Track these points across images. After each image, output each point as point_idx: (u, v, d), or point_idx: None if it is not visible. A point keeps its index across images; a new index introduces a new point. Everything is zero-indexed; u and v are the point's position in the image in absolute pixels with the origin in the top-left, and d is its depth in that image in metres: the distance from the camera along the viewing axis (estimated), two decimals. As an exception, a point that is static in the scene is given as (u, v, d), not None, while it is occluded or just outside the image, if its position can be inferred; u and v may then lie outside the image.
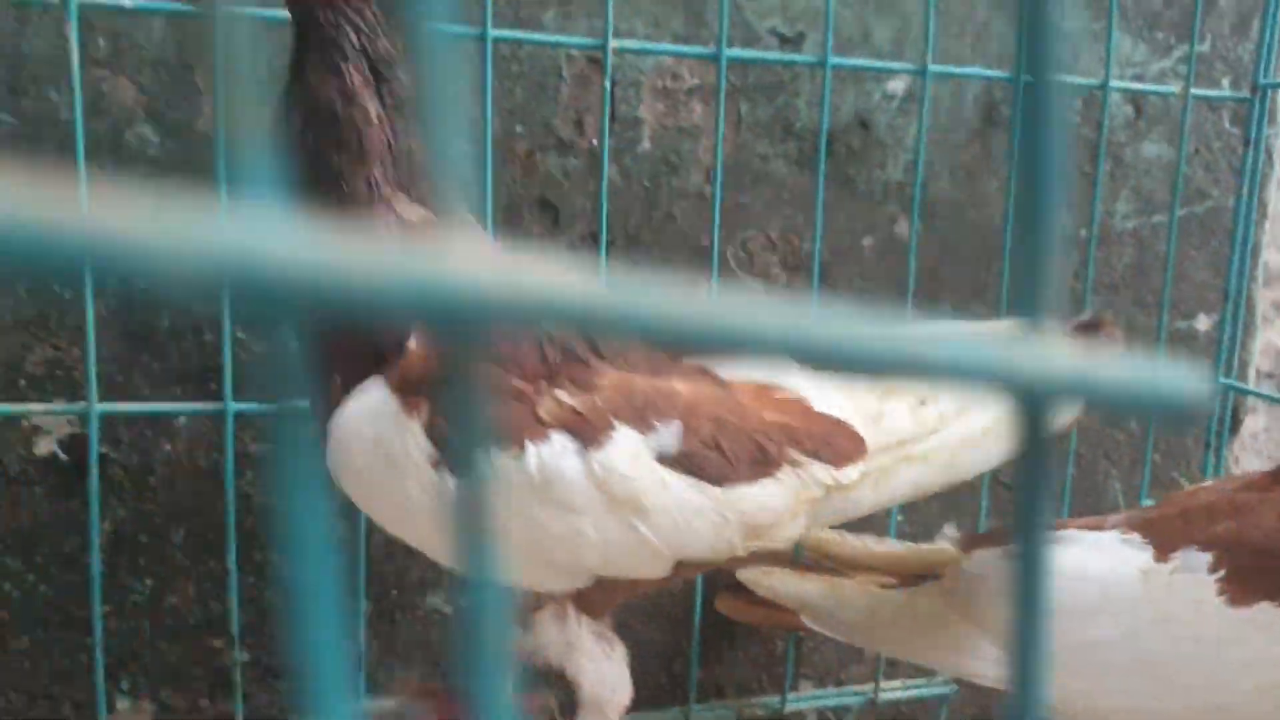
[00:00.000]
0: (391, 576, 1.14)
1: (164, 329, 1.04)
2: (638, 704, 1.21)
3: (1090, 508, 1.29)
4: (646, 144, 1.14)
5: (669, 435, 0.81)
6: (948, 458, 0.90)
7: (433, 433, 0.74)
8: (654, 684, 1.23)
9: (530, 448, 0.76)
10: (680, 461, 0.81)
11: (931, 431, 0.90)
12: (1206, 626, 0.85)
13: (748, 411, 0.85)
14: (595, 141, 1.13)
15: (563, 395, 0.78)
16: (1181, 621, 0.86)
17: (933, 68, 1.13)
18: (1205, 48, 1.30)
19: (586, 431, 0.77)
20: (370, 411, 0.74)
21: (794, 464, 0.84)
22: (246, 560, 1.05)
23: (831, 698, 1.28)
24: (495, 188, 1.09)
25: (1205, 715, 0.86)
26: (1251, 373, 1.37)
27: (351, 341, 0.76)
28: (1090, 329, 0.96)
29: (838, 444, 0.86)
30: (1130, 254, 1.32)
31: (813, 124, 1.19)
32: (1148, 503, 1.31)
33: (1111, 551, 0.92)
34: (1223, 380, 1.30)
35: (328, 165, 0.74)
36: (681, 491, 0.81)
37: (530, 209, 1.12)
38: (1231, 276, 1.29)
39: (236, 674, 1.07)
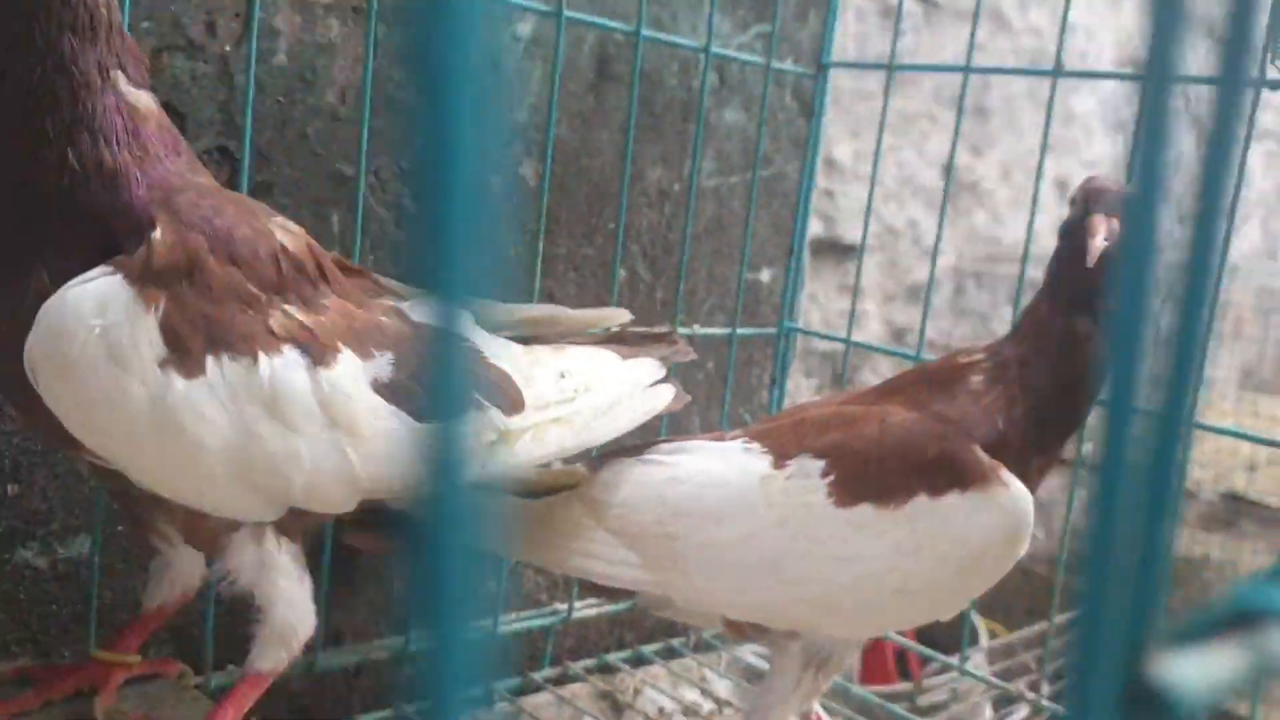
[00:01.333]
0: (-26, 527, 0.98)
1: None
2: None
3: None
4: (283, 57, 1.08)
5: (384, 364, 0.80)
6: (585, 423, 0.97)
7: (167, 330, 0.67)
8: (272, 631, 1.17)
9: (263, 358, 0.71)
10: (389, 391, 0.80)
11: (568, 400, 0.96)
12: (816, 526, 0.97)
13: None
14: (228, 47, 1.05)
15: (293, 310, 0.74)
16: (795, 522, 0.97)
17: (567, 12, 1.17)
18: (772, 29, 1.47)
19: (316, 349, 0.75)
20: (99, 299, 0.66)
21: (477, 406, 0.87)
22: None
23: (451, 631, 1.28)
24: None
25: (812, 605, 0.99)
26: (801, 318, 1.57)
27: (73, 226, 0.66)
28: (661, 339, 1.08)
29: (507, 395, 0.90)
30: (711, 210, 1.46)
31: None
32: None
33: (734, 459, 1.02)
34: (787, 324, 1.48)
35: (58, 49, 0.64)
36: (388, 420, 0.80)
37: (153, 115, 1.01)
38: (795, 235, 1.46)
39: None
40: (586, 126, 1.32)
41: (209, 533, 0.79)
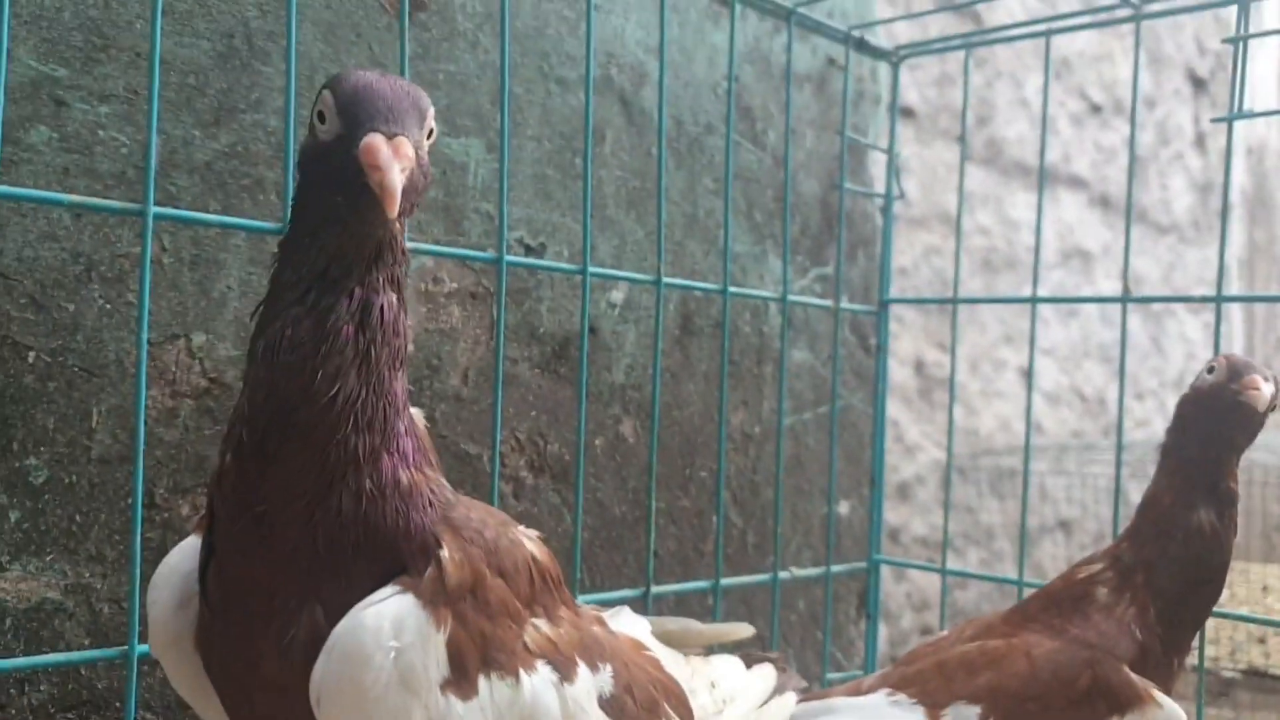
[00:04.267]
0: None
1: None
2: None
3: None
4: (411, 347, 1.10)
5: (606, 677, 0.78)
6: None
7: (452, 650, 0.66)
8: None
9: (524, 677, 0.69)
10: (609, 705, 0.77)
11: (718, 712, 0.95)
12: None
13: (638, 664, 0.85)
14: (362, 344, 1.07)
15: (541, 624, 0.73)
16: None
17: (665, 280, 1.21)
18: (829, 270, 1.53)
19: (562, 665, 0.73)
20: (395, 621, 0.64)
21: (667, 717, 0.84)
22: None
23: None
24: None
25: None
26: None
27: (360, 553, 0.66)
28: (767, 660, 1.06)
29: (685, 709, 0.88)
30: (788, 448, 1.49)
31: (554, 328, 1.22)
32: (831, 673, 1.44)
33: (887, 716, 1.01)
34: (876, 557, 1.48)
35: (382, 376, 0.66)
36: None
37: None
38: (875, 466, 1.49)
39: None
40: (675, 381, 1.35)
41: None
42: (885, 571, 1.52)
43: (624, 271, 1.24)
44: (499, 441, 1.08)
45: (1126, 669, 0.97)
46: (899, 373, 2.92)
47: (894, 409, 2.69)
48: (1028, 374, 3.21)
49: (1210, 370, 1.03)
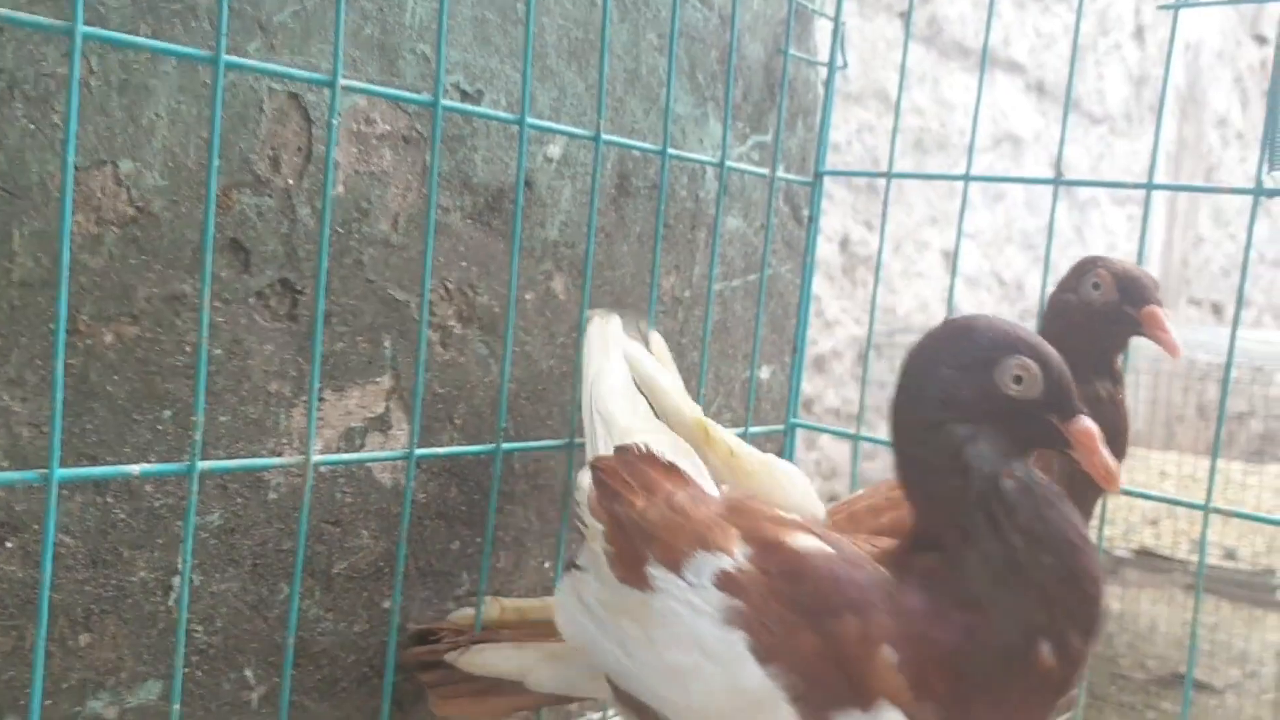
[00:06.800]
0: (46, 682, 0.95)
1: None
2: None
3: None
4: (340, 188, 1.09)
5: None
6: None
7: None
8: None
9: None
10: None
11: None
12: None
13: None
14: (291, 181, 1.05)
15: None
16: None
17: (603, 136, 1.21)
18: (767, 138, 1.53)
19: None
20: None
21: None
22: None
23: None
24: (184, 226, 0.97)
25: None
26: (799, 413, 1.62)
27: None
28: None
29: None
30: (716, 313, 1.50)
31: (489, 178, 1.21)
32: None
33: None
34: (793, 420, 1.52)
35: None
36: None
37: (220, 250, 1.01)
38: (798, 333, 1.52)
39: None
40: (609, 240, 1.35)
41: None
42: (798, 438, 1.56)
43: (562, 125, 1.23)
44: (429, 290, 1.08)
45: None
46: (823, 248, 2.94)
47: (816, 284, 2.73)
48: (951, 256, 3.27)
49: (1095, 286, 1.07)
